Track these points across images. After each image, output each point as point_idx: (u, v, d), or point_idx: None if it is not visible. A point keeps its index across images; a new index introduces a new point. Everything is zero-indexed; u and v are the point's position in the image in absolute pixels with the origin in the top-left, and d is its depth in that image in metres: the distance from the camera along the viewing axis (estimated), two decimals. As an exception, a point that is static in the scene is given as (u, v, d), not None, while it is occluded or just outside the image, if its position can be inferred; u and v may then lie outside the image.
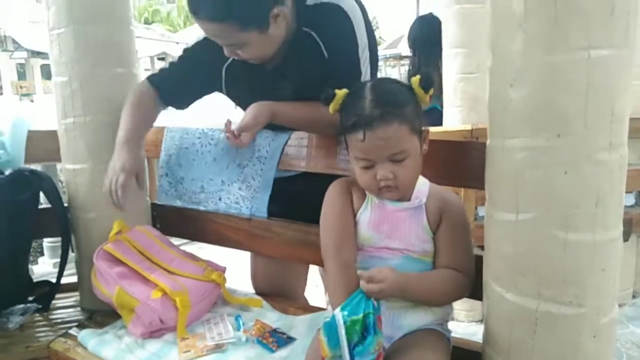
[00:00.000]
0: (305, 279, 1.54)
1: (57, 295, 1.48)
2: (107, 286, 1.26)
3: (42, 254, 3.13)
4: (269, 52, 1.25)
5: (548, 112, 0.77)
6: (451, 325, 1.06)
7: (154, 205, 1.55)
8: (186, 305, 1.23)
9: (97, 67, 1.36)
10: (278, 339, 1.18)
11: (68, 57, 1.34)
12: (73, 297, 1.50)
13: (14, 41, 20.35)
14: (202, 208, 1.50)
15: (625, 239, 2.21)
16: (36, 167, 1.62)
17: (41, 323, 1.37)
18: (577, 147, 0.77)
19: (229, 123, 1.27)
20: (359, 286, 0.89)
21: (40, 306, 1.41)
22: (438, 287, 0.97)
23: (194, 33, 1.44)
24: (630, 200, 2.26)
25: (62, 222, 1.42)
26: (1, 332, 1.31)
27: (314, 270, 1.60)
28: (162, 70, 1.44)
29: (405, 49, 2.76)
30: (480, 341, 0.99)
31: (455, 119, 2.23)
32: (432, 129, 1.94)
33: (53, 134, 1.43)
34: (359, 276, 0.89)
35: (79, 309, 1.45)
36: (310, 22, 1.24)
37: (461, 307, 2.25)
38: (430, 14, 2.69)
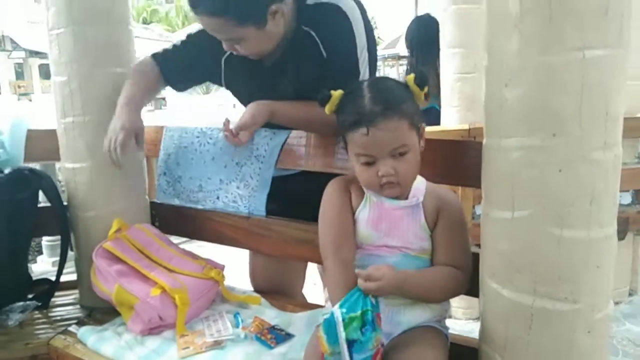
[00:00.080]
0: (304, 277, 1.55)
1: (57, 293, 1.49)
2: (106, 284, 1.27)
3: (40, 252, 3.14)
4: (266, 48, 1.26)
5: (543, 111, 0.79)
6: (449, 322, 1.07)
7: (152, 203, 1.56)
8: (185, 303, 1.24)
9: (96, 67, 1.36)
10: (276, 335, 1.19)
11: (67, 57, 1.35)
12: (72, 295, 1.50)
13: (12, 41, 20.31)
14: (200, 207, 1.51)
15: (622, 238, 2.23)
16: (35, 166, 1.63)
17: (41, 320, 1.38)
18: (572, 146, 0.78)
19: (227, 122, 1.28)
20: (357, 284, 0.90)
21: (39, 304, 1.42)
22: (436, 284, 0.98)
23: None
24: (627, 199, 2.28)
25: (61, 220, 1.42)
26: (1, 329, 1.31)
27: (312, 269, 1.61)
28: (165, 50, 1.45)
29: (403, 49, 2.78)
30: (477, 338, 1.01)
31: (452, 119, 2.24)
32: (430, 129, 1.96)
33: (52, 133, 1.44)
34: (357, 274, 0.90)
35: (78, 306, 1.46)
36: (309, 21, 1.25)
37: (459, 304, 2.26)
38: (427, 15, 2.70)
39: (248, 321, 1.26)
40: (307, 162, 1.34)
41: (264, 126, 1.35)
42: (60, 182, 2.11)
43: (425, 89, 0.99)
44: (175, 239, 1.49)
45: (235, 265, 1.60)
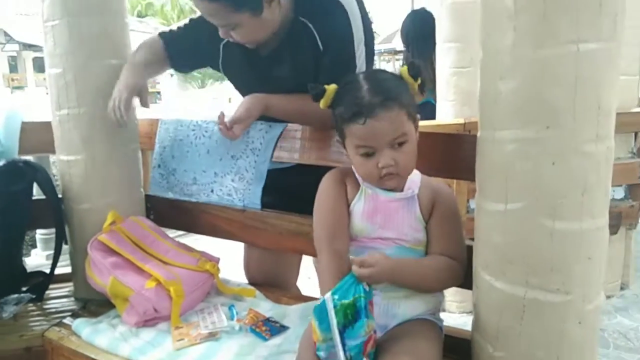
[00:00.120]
0: (298, 270, 1.56)
1: (51, 286, 1.49)
2: (101, 276, 1.27)
3: (34, 246, 3.13)
4: (261, 36, 1.26)
5: (537, 104, 0.79)
6: (443, 316, 1.08)
7: (147, 196, 1.55)
8: (180, 295, 1.24)
9: (92, 59, 1.35)
10: (271, 327, 1.20)
11: (62, 49, 1.34)
12: (67, 287, 1.50)
13: (5, 34, 20.14)
14: (193, 200, 1.51)
15: (614, 232, 2.25)
16: (29, 158, 1.62)
17: (35, 313, 1.38)
18: (565, 138, 0.79)
19: (222, 115, 1.29)
20: (351, 271, 0.90)
21: (34, 296, 1.42)
22: (431, 272, 0.99)
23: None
24: (620, 193, 2.30)
25: (56, 213, 1.42)
26: (-5, 321, 1.32)
27: (307, 263, 1.61)
28: (172, 30, 1.46)
29: (399, 44, 2.78)
30: (471, 330, 1.02)
31: (448, 113, 2.25)
32: (426, 123, 1.97)
33: (47, 125, 1.43)
34: (351, 261, 0.91)
35: (72, 298, 1.46)
36: (307, 12, 1.25)
37: (453, 298, 2.28)
38: (423, 9, 2.71)
39: (243, 313, 1.26)
40: (302, 155, 1.34)
41: (260, 119, 1.35)
42: (55, 176, 2.10)
43: (419, 80, 1.00)
44: (171, 232, 1.49)
45: (230, 258, 1.60)
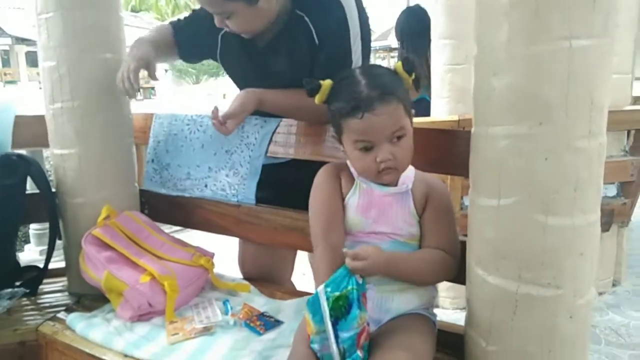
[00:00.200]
0: (293, 265, 1.56)
1: (45, 280, 1.48)
2: (95, 270, 1.27)
3: (28, 241, 3.11)
4: (256, 26, 1.26)
5: (530, 100, 0.80)
6: (436, 312, 1.09)
7: (142, 191, 1.55)
8: (174, 289, 1.24)
9: (86, 52, 1.35)
10: (265, 322, 1.20)
11: (56, 42, 1.33)
12: (61, 282, 1.50)
13: (-3, 27, 19.95)
14: (187, 195, 1.50)
15: (606, 229, 2.27)
16: (22, 152, 1.61)
17: (29, 307, 1.37)
18: (558, 134, 0.80)
19: (216, 110, 1.28)
20: (345, 263, 0.91)
21: (27, 290, 1.41)
22: (424, 265, 0.99)
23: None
24: (612, 191, 2.31)
25: (50, 207, 1.42)
26: (-12, 316, 1.31)
27: (301, 259, 1.62)
28: (179, 19, 1.48)
29: (395, 41, 2.78)
30: (464, 325, 1.02)
31: (442, 110, 2.25)
32: (421, 120, 1.98)
33: (40, 119, 1.42)
34: (344, 254, 0.91)
35: (66, 293, 1.45)
36: (304, 5, 1.25)
37: (446, 294, 2.29)
38: (417, 6, 2.71)
39: (237, 308, 1.27)
40: (297, 150, 1.34)
41: (255, 114, 1.35)
42: (48, 170, 2.09)
43: (414, 75, 1.00)
44: (166, 228, 1.49)
45: (225, 253, 1.60)
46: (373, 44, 1.48)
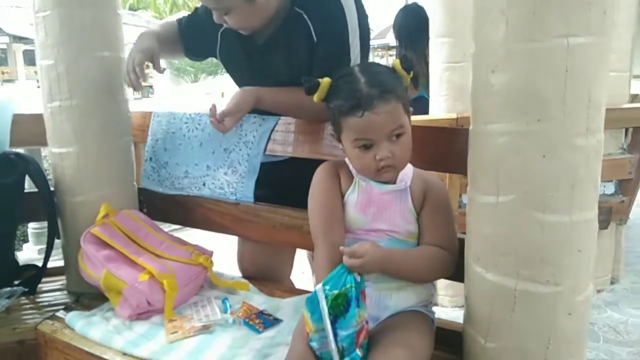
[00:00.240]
0: (292, 263, 1.56)
1: (44, 279, 1.48)
2: (94, 269, 1.27)
3: (26, 240, 3.11)
4: (254, 23, 1.26)
5: (528, 97, 0.80)
6: (435, 310, 1.09)
7: (140, 189, 1.55)
8: (173, 288, 1.24)
9: (84, 51, 1.34)
10: (264, 320, 1.20)
11: (54, 40, 1.33)
12: (59, 281, 1.50)
13: (-5, 26, 19.89)
14: (184, 194, 1.50)
15: (604, 227, 2.28)
16: (20, 151, 1.61)
17: (28, 306, 1.37)
18: (556, 131, 0.80)
19: (213, 108, 1.29)
20: (342, 261, 0.91)
21: (26, 289, 1.41)
22: (422, 262, 0.99)
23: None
24: (610, 189, 2.32)
25: (48, 205, 1.41)
26: (-12, 314, 1.31)
27: (300, 257, 1.62)
28: (184, 17, 1.50)
29: (393, 39, 2.77)
30: (462, 322, 1.03)
31: (440, 108, 2.26)
32: (419, 118, 1.98)
33: (38, 118, 1.42)
34: (341, 252, 0.91)
35: (65, 292, 1.45)
36: (302, 3, 1.25)
37: (445, 292, 2.30)
38: (415, 3, 2.71)
39: (236, 306, 1.27)
40: (295, 148, 1.34)
41: (254, 112, 1.35)
42: (46, 170, 2.09)
43: (412, 73, 1.00)
44: (165, 227, 1.48)
45: (224, 251, 1.60)
46: (371, 42, 1.48)
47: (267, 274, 1.47)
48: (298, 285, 1.59)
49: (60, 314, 1.31)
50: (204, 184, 1.47)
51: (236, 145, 1.41)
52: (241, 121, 1.39)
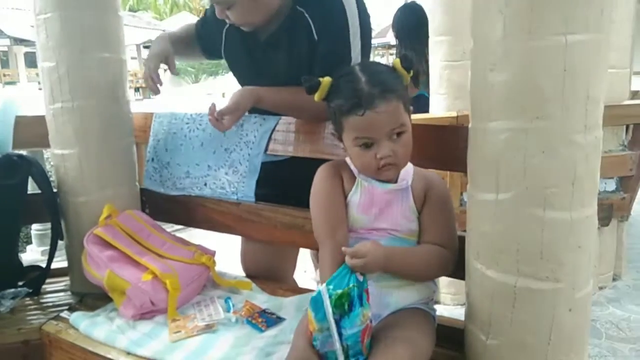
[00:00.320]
0: (295, 262, 1.57)
1: (47, 280, 1.49)
2: (97, 269, 1.28)
3: (29, 242, 3.13)
4: (256, 18, 1.27)
5: (527, 95, 0.81)
6: (437, 308, 1.09)
7: (142, 190, 1.56)
8: (176, 287, 1.25)
9: (85, 52, 1.35)
10: (267, 319, 1.21)
11: (55, 42, 1.34)
12: (63, 282, 1.51)
13: (-4, 28, 19.91)
14: (186, 194, 1.51)
15: (606, 224, 2.28)
16: (23, 153, 1.62)
17: (32, 307, 1.38)
18: (555, 129, 0.81)
19: (213, 106, 1.30)
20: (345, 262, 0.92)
21: (30, 290, 1.42)
22: (422, 260, 1.00)
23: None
24: (611, 185, 2.32)
25: (51, 206, 1.42)
26: (-8, 315, 1.32)
27: (303, 257, 1.62)
28: (200, 17, 1.54)
29: (393, 38, 2.78)
30: (464, 319, 1.03)
31: (440, 107, 2.26)
32: (419, 116, 1.98)
33: (41, 119, 1.43)
34: (343, 252, 0.92)
35: (69, 292, 1.46)
36: (304, 1, 1.26)
37: (447, 290, 2.30)
38: (413, 2, 2.72)
39: (239, 305, 1.27)
40: (296, 148, 1.35)
41: (255, 112, 1.36)
42: (49, 171, 2.10)
43: (412, 72, 1.01)
44: (168, 227, 1.49)
45: (227, 251, 1.61)
46: (372, 41, 1.48)
47: (270, 273, 1.48)
48: (300, 284, 1.59)
49: (64, 314, 1.32)
50: (205, 184, 1.48)
51: (237, 145, 1.42)
52: (242, 121, 1.39)
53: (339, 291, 0.85)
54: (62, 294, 1.46)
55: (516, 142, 0.82)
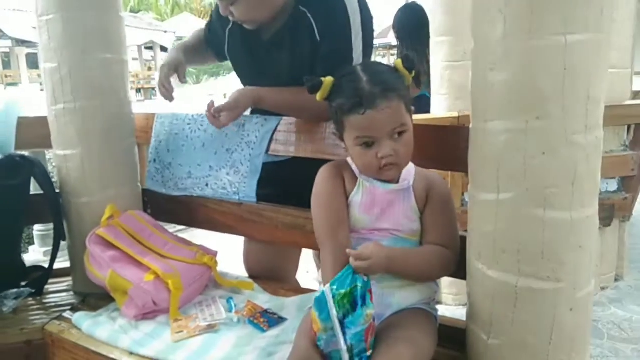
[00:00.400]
0: (297, 263, 1.57)
1: (50, 280, 1.49)
2: (100, 270, 1.28)
3: (32, 243, 3.13)
4: (260, 15, 1.27)
5: (527, 95, 0.81)
6: (439, 308, 1.09)
7: (145, 190, 1.56)
8: (178, 288, 1.25)
9: (87, 53, 1.36)
10: (269, 319, 1.21)
11: (57, 43, 1.34)
12: (66, 282, 1.51)
13: (-2, 29, 19.95)
14: (187, 194, 1.51)
15: (607, 224, 2.28)
16: (25, 153, 1.62)
17: (35, 307, 1.39)
18: (555, 129, 0.81)
19: (211, 103, 1.31)
20: (349, 263, 0.92)
21: (33, 290, 1.42)
22: (424, 261, 1.01)
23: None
24: (613, 186, 2.32)
25: (54, 207, 1.43)
26: (-5, 315, 1.32)
27: (306, 257, 1.63)
28: (207, 22, 1.56)
29: (394, 39, 2.78)
30: (465, 319, 1.03)
31: (441, 107, 2.26)
32: (421, 117, 1.98)
33: (43, 120, 1.44)
34: (348, 254, 0.92)
35: (72, 293, 1.46)
36: (307, 2, 1.26)
37: (449, 291, 2.30)
38: (414, 2, 2.72)
39: (241, 306, 1.28)
40: (298, 148, 1.35)
41: (256, 112, 1.36)
42: (51, 173, 2.11)
43: (414, 73, 1.01)
44: (170, 228, 1.50)
45: (229, 251, 1.61)
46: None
47: (272, 273, 1.48)
48: (303, 285, 1.60)
49: (67, 314, 1.33)
50: (207, 185, 1.49)
51: (238, 146, 1.42)
52: (244, 122, 1.40)
53: (342, 291, 0.86)
54: (64, 294, 1.47)
55: (516, 142, 0.83)
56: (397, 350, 0.89)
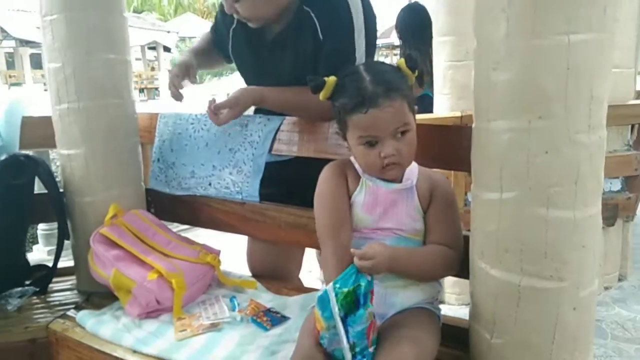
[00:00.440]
0: (301, 262, 1.57)
1: (54, 279, 1.50)
2: (103, 268, 1.29)
3: (36, 242, 3.14)
4: (265, 13, 1.27)
5: (530, 94, 0.81)
6: (442, 308, 1.09)
7: (148, 190, 1.57)
8: (182, 286, 1.26)
9: (90, 53, 1.36)
10: (272, 318, 1.22)
11: (61, 43, 1.35)
12: (70, 281, 1.52)
13: (2, 30, 20.04)
14: (191, 194, 1.52)
15: (611, 224, 2.27)
16: (29, 153, 1.63)
17: (39, 305, 1.39)
18: (558, 128, 0.81)
19: (212, 100, 1.31)
20: (353, 262, 0.92)
21: (37, 289, 1.43)
22: (427, 260, 1.01)
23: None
24: (617, 185, 2.31)
25: (58, 206, 1.43)
26: (0, 314, 1.33)
27: (309, 256, 1.63)
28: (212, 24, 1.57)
29: (397, 38, 2.78)
30: (468, 319, 1.03)
31: (444, 107, 2.26)
32: (424, 116, 1.99)
33: (47, 120, 1.44)
34: (352, 254, 0.93)
35: (75, 291, 1.47)
36: (310, 1, 1.26)
37: (452, 290, 2.30)
38: (416, 2, 2.72)
39: (244, 304, 1.28)
40: (300, 147, 1.35)
41: (259, 112, 1.36)
42: (54, 172, 2.11)
43: (417, 72, 1.01)
44: (173, 227, 1.50)
45: (232, 250, 1.62)
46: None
47: (276, 272, 1.48)
48: (306, 284, 1.60)
49: (71, 312, 1.33)
50: (210, 184, 1.49)
51: (241, 145, 1.43)
52: (246, 121, 1.40)
53: (345, 289, 0.86)
54: (68, 292, 1.47)
55: (519, 142, 0.83)
56: (400, 349, 0.89)
